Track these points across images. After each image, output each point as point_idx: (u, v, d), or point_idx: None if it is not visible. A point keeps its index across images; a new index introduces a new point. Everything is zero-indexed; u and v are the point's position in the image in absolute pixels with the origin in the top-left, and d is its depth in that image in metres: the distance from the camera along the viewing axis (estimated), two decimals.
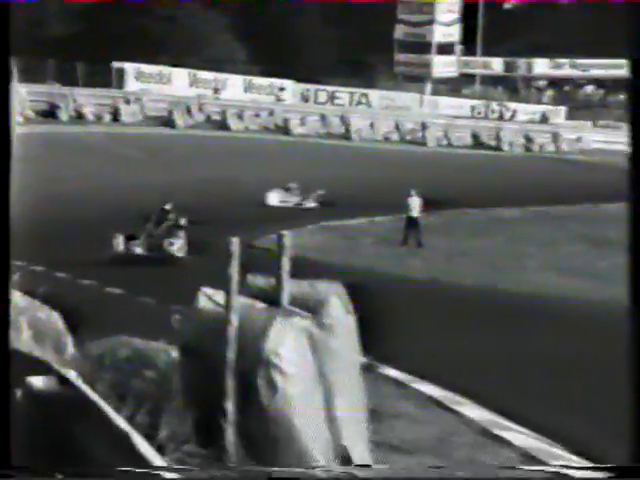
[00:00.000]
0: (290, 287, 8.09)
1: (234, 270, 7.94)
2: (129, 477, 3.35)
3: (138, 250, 25.75)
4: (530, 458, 9.01)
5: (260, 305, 8.06)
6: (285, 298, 8.03)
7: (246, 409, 7.69)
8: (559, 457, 9.19)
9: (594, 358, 14.94)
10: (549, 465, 5.73)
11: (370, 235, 32.39)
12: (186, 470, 5.48)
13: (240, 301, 7.98)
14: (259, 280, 8.43)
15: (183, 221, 26.67)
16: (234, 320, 7.81)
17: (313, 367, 7.79)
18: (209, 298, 8.28)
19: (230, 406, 7.74)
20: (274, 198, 37.56)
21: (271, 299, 8.08)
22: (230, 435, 7.68)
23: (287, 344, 7.71)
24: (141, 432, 6.39)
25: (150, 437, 6.87)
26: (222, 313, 7.94)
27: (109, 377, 8.22)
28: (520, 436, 9.87)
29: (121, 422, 6.13)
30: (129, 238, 25.91)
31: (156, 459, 5.55)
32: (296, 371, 7.68)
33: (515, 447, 9.39)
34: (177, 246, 25.97)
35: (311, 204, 37.88)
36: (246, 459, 7.58)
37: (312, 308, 7.95)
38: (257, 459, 7.55)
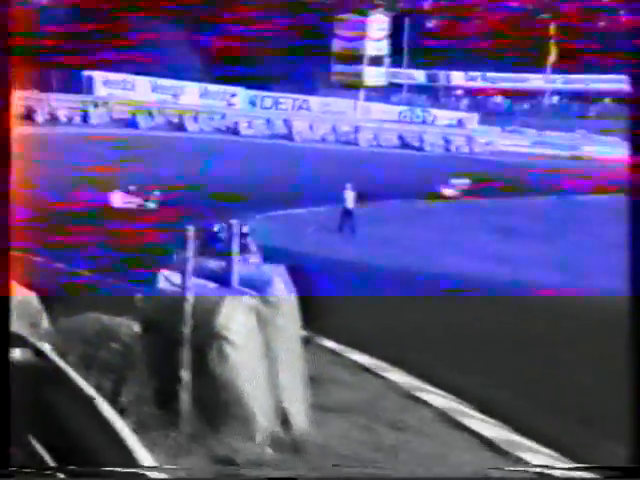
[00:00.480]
0: (239, 269, 8.05)
1: (189, 254, 7.88)
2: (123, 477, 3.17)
3: None
4: (444, 416, 9.03)
5: (212, 285, 8.01)
6: (235, 279, 7.99)
7: (200, 377, 7.65)
8: (469, 415, 9.22)
9: (500, 326, 15.05)
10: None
11: (310, 224, 32.40)
12: (178, 470, 5.37)
13: (195, 282, 7.93)
14: (212, 263, 8.38)
15: (245, 228, 20.27)
16: (189, 298, 7.75)
17: (260, 340, 7.76)
18: (167, 279, 8.21)
19: (185, 374, 7.69)
20: (117, 199, 34.25)
21: (222, 280, 8.03)
22: (185, 400, 7.63)
23: (237, 320, 7.67)
24: (106, 397, 6.31)
25: (114, 401, 6.80)
26: (179, 292, 7.88)
27: (79, 349, 8.13)
28: (438, 398, 9.89)
29: (88, 388, 6.05)
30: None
31: (116, 420, 5.47)
32: (245, 343, 7.64)
33: (433, 407, 9.40)
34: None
35: (151, 205, 34.34)
36: (198, 421, 7.54)
37: (259, 288, 7.92)
38: (208, 421, 7.51)
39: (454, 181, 44.17)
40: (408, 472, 6.93)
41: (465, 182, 44.28)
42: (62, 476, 4.52)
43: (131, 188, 34.59)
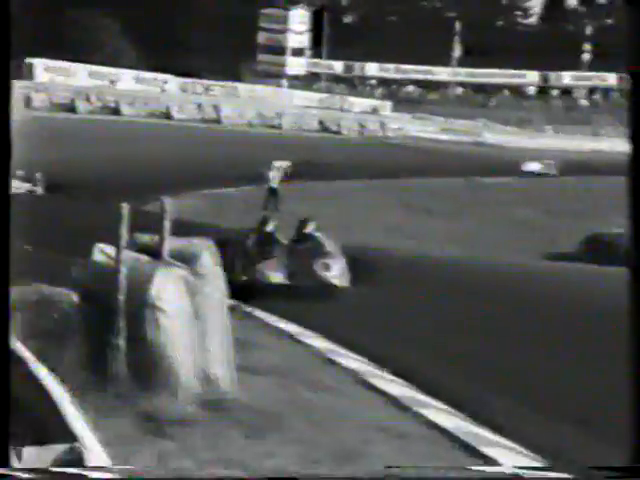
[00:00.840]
0: (170, 243, 7.97)
1: (124, 230, 7.77)
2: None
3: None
4: (357, 377, 9.05)
5: (145, 258, 7.93)
6: (166, 252, 7.91)
7: (134, 343, 7.56)
8: (379, 376, 9.24)
9: (406, 294, 15.01)
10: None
11: (237, 201, 32.27)
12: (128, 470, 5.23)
13: (129, 255, 7.82)
14: (144, 237, 8.28)
15: (310, 226, 15.99)
16: (123, 270, 7.65)
17: (190, 308, 7.69)
18: (103, 252, 8.09)
19: (121, 341, 7.60)
20: None
21: (154, 253, 7.94)
22: (121, 365, 7.55)
23: (168, 289, 7.60)
24: (45, 362, 6.20)
25: (53, 368, 6.69)
26: (114, 264, 7.77)
27: (22, 318, 7.98)
28: (353, 362, 9.90)
29: (27, 354, 5.93)
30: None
31: (54, 384, 5.36)
32: (175, 311, 7.57)
33: (348, 370, 9.41)
34: (338, 271, 14.86)
35: (39, 190, 31.40)
36: (133, 384, 7.47)
37: (188, 260, 7.85)
38: (141, 384, 7.44)
39: (276, 164, 43.10)
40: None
41: (287, 164, 43.33)
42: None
43: (19, 173, 31.43)
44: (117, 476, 2.01)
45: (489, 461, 6.48)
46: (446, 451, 6.80)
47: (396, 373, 9.60)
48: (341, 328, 11.86)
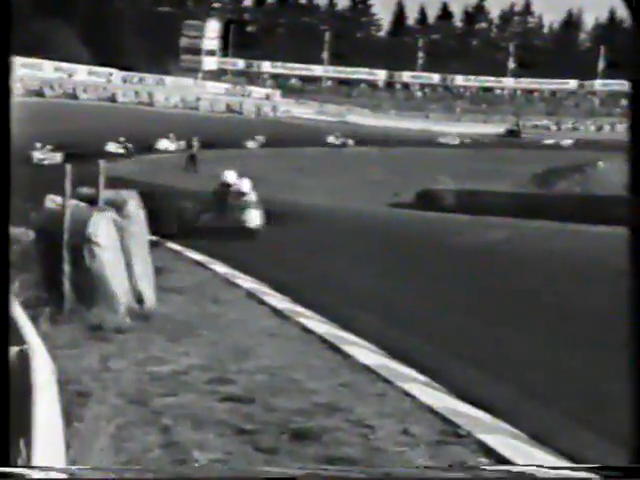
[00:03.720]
0: (103, 194, 7.62)
1: (68, 183, 7.38)
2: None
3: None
4: (250, 294, 8.82)
5: (84, 205, 7.56)
6: (100, 201, 7.56)
7: (76, 269, 7.21)
8: (267, 294, 9.02)
9: (286, 229, 14.71)
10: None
11: (166, 164, 31.61)
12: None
13: (73, 202, 7.44)
14: (85, 190, 7.89)
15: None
16: (68, 214, 7.26)
17: (118, 242, 7.36)
18: (53, 201, 7.66)
19: (66, 267, 7.22)
20: None
21: (92, 201, 7.59)
22: (66, 285, 7.19)
23: (101, 228, 7.25)
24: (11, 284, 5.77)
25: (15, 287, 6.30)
26: (61, 210, 7.36)
27: None
28: (246, 283, 9.66)
29: None
30: None
31: (11, 300, 4.95)
32: (107, 244, 7.23)
33: (243, 288, 9.19)
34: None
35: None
36: (76, 301, 7.12)
37: (118, 206, 7.52)
38: (83, 300, 7.10)
39: (121, 139, 40.52)
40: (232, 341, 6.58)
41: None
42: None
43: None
44: (63, 476, 1.57)
45: (347, 357, 6.25)
46: (317, 349, 6.64)
47: (279, 290, 9.40)
48: (238, 257, 11.59)
